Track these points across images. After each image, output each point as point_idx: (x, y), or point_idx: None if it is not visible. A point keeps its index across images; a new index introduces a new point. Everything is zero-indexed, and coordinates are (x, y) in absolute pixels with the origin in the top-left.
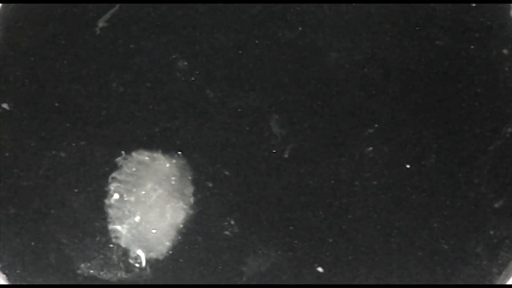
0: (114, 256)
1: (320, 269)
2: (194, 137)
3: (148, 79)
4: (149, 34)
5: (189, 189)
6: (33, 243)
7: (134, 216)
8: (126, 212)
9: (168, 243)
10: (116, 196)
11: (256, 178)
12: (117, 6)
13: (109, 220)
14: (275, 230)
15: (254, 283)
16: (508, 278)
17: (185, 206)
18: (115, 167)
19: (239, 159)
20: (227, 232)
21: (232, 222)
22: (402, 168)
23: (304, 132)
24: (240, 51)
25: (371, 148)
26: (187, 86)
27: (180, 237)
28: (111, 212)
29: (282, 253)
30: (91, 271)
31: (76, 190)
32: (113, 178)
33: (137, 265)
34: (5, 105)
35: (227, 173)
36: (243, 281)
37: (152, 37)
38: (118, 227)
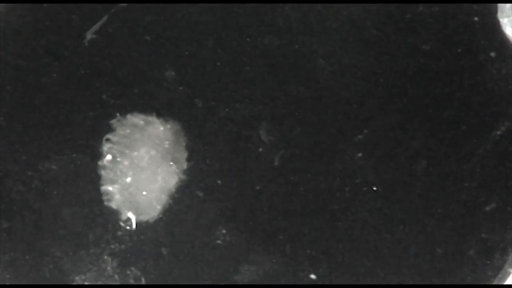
0: (108, 268)
1: (313, 277)
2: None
3: (136, 89)
4: (137, 44)
5: (182, 154)
6: (27, 257)
7: (126, 177)
8: (118, 173)
9: (159, 207)
10: (109, 157)
11: (246, 186)
12: (105, 17)
13: (101, 182)
14: (267, 239)
15: None
16: (504, 281)
17: (177, 171)
18: (109, 128)
19: (229, 168)
20: (219, 241)
21: (224, 231)
22: (393, 174)
23: (293, 139)
24: (228, 59)
25: (361, 154)
26: (176, 96)
27: (171, 201)
28: (103, 173)
29: (274, 261)
30: (86, 283)
31: (69, 203)
32: (107, 139)
33: (127, 227)
34: None
35: (218, 181)
36: None
37: (140, 48)
38: (110, 188)
